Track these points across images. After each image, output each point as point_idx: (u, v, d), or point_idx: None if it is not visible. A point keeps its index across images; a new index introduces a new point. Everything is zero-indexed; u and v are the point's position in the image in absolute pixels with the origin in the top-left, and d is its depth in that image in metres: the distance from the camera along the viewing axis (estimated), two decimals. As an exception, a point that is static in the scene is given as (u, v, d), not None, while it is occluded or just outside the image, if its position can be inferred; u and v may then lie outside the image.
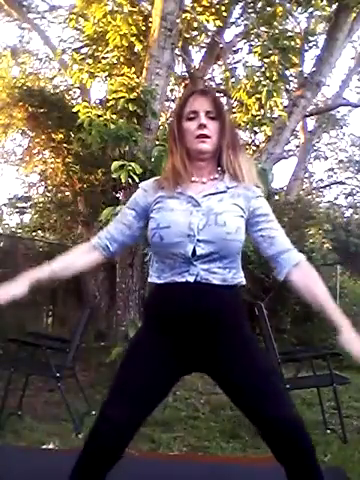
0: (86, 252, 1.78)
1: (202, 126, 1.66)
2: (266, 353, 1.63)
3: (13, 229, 10.48)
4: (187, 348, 1.63)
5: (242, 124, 5.66)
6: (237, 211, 1.66)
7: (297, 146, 15.19)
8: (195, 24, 7.43)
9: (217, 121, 1.68)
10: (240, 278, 1.69)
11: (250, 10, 7.42)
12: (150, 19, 6.03)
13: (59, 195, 8.77)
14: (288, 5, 6.80)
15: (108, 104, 5.18)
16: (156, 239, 1.64)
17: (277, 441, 1.58)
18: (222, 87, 9.58)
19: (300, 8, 6.91)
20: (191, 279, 1.61)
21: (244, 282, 1.69)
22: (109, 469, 1.62)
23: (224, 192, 1.68)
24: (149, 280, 1.72)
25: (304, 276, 1.67)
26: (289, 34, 6.47)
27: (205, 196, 1.66)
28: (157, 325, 1.66)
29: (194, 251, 1.61)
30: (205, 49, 8.67)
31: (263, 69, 5.91)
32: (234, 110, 6.38)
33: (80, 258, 1.78)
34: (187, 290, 1.61)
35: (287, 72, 6.74)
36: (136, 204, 1.74)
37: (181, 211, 1.64)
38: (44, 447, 3.27)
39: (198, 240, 1.60)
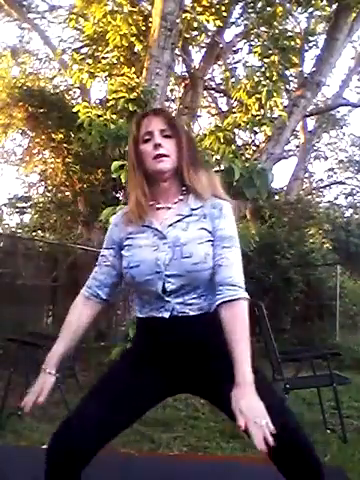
0: (84, 308, 1.73)
1: (158, 146, 1.62)
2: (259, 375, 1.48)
3: (13, 229, 10.47)
4: (176, 375, 1.63)
5: (242, 124, 5.65)
6: (204, 236, 1.61)
7: (297, 146, 15.20)
8: (195, 24, 7.44)
9: (173, 139, 1.64)
10: (215, 301, 1.60)
11: (250, 10, 7.42)
12: (150, 19, 6.04)
13: (59, 195, 8.78)
14: (288, 5, 6.81)
15: (108, 104, 5.18)
16: (128, 279, 1.64)
17: (279, 453, 1.48)
18: (222, 87, 9.60)
19: (300, 8, 6.92)
20: (166, 315, 1.60)
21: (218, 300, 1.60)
22: (77, 469, 1.59)
23: (189, 216, 1.64)
24: (136, 314, 1.73)
25: (230, 316, 1.54)
26: (289, 34, 6.48)
27: (170, 225, 1.63)
28: (143, 350, 1.67)
29: (164, 287, 1.59)
30: (205, 49, 8.68)
31: (263, 69, 5.90)
32: (234, 110, 6.38)
33: (82, 317, 1.73)
34: (165, 325, 1.61)
35: (287, 72, 6.75)
36: (113, 242, 1.72)
37: (148, 247, 1.62)
38: (44, 447, 3.26)
39: (166, 275, 1.58)
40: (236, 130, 5.95)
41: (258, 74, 5.81)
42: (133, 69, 6.00)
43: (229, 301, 1.54)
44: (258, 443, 1.33)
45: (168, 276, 1.58)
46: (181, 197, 1.67)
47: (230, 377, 1.49)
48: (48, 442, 1.60)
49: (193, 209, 1.64)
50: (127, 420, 1.65)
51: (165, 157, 1.62)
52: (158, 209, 1.67)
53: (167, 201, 1.67)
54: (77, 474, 1.58)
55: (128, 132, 5.21)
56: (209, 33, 7.78)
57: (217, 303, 1.57)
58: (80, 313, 1.73)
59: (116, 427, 1.63)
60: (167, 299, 1.59)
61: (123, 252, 1.67)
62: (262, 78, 5.70)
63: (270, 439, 1.33)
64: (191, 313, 1.60)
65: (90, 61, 7.04)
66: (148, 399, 1.66)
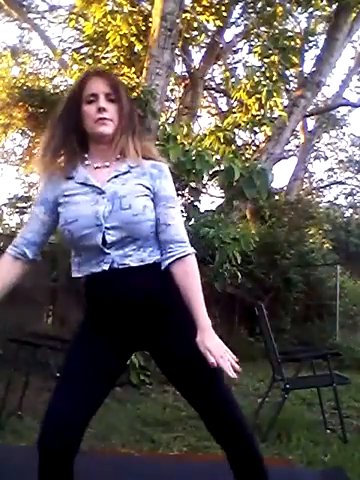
0: (12, 268, 1.72)
1: (102, 110, 1.64)
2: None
3: (13, 229, 10.45)
4: (125, 331, 1.64)
5: (242, 124, 5.66)
6: (141, 191, 1.64)
7: (297, 146, 15.20)
8: (195, 24, 7.44)
9: (116, 103, 1.67)
10: (157, 255, 1.65)
11: (250, 10, 7.42)
12: (150, 19, 6.04)
13: (59, 195, 8.76)
14: (288, 5, 6.81)
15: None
16: (66, 235, 1.65)
17: (213, 428, 1.67)
18: (222, 87, 9.60)
19: (300, 8, 6.92)
20: (106, 267, 1.61)
21: (159, 258, 1.65)
22: (67, 462, 1.58)
23: (127, 172, 1.67)
24: (72, 275, 1.72)
25: (181, 274, 1.62)
26: (289, 34, 6.49)
27: (108, 181, 1.65)
28: (93, 314, 1.68)
29: (104, 239, 1.60)
30: (205, 49, 8.67)
31: (263, 69, 5.91)
32: (234, 110, 6.38)
33: (10, 276, 1.72)
34: (106, 278, 1.61)
35: (287, 72, 6.75)
36: (44, 200, 1.71)
37: (86, 202, 1.63)
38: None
39: (106, 228, 1.60)
40: (236, 130, 5.97)
41: (258, 74, 5.82)
42: (133, 69, 6.00)
43: (180, 258, 1.62)
44: (229, 372, 1.50)
45: (108, 228, 1.60)
46: (118, 157, 1.70)
47: (174, 342, 1.61)
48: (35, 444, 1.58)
49: (131, 167, 1.68)
50: (99, 397, 1.67)
51: (108, 121, 1.65)
52: (96, 168, 1.69)
53: (104, 161, 1.69)
54: (69, 465, 1.58)
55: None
56: (209, 33, 7.78)
57: (169, 261, 1.62)
58: (8, 271, 1.71)
59: (91, 407, 1.65)
60: (107, 251, 1.61)
61: (59, 209, 1.67)
62: (262, 78, 5.71)
63: (237, 366, 1.52)
64: (132, 264, 1.62)
65: (90, 61, 7.04)
66: (110, 368, 1.67)
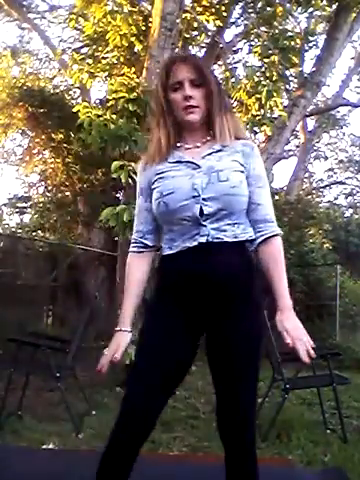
0: (140, 262, 1.76)
1: (188, 97, 1.65)
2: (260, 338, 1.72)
3: (13, 229, 10.46)
4: (199, 310, 1.64)
5: (242, 124, 5.65)
6: (237, 167, 1.67)
7: (297, 146, 15.19)
8: (195, 24, 7.43)
9: (203, 88, 1.67)
10: (250, 232, 1.68)
11: (250, 10, 7.42)
12: (150, 19, 6.03)
13: (59, 195, 8.78)
14: (288, 5, 6.81)
15: (108, 104, 5.18)
16: (161, 207, 1.65)
17: (226, 424, 1.68)
18: (222, 87, 9.56)
19: (300, 8, 6.91)
20: (203, 240, 1.61)
21: (254, 236, 1.68)
22: (138, 449, 1.63)
23: (220, 150, 1.69)
24: (163, 254, 1.71)
25: (269, 254, 1.68)
26: (289, 34, 6.47)
27: (203, 157, 1.67)
28: (170, 294, 1.66)
29: (201, 211, 1.61)
30: (205, 49, 8.66)
31: (263, 69, 5.91)
32: (234, 110, 6.37)
33: (142, 270, 1.76)
34: (200, 252, 1.61)
35: (287, 72, 6.75)
36: (142, 190, 1.76)
37: (182, 176, 1.65)
38: (44, 447, 3.27)
39: (203, 199, 1.61)
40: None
41: (258, 74, 5.82)
42: (133, 69, 5.99)
43: (269, 237, 1.67)
44: (303, 356, 1.60)
45: (205, 199, 1.61)
46: (209, 138, 1.72)
47: (238, 318, 1.64)
48: (112, 430, 1.65)
49: (224, 145, 1.69)
50: (175, 385, 1.71)
51: (195, 108, 1.67)
52: (187, 149, 1.71)
53: (196, 142, 1.72)
54: (135, 456, 1.64)
55: (128, 132, 5.23)
56: (209, 33, 7.77)
57: (259, 240, 1.67)
58: (138, 268, 1.75)
59: (167, 395, 1.69)
60: (203, 223, 1.62)
61: (154, 186, 1.69)
62: (262, 78, 5.70)
63: (312, 352, 1.58)
64: (226, 239, 1.63)
65: (90, 61, 7.03)
66: (186, 356, 1.69)
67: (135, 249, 1.77)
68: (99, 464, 1.63)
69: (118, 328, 1.69)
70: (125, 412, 1.65)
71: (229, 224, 1.64)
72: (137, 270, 1.75)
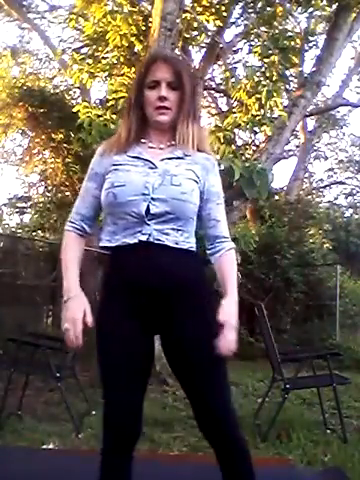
0: (79, 245, 1.77)
1: (162, 98, 1.66)
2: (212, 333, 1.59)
3: (13, 229, 10.47)
4: (147, 310, 1.63)
5: (242, 124, 5.65)
6: (192, 176, 1.67)
7: (297, 146, 15.19)
8: (195, 24, 7.42)
9: (178, 91, 1.68)
10: (192, 244, 1.68)
11: (250, 10, 7.41)
12: (150, 19, 6.02)
13: (59, 195, 8.78)
14: (288, 5, 6.80)
15: (108, 104, 5.18)
16: (110, 198, 1.64)
17: (205, 428, 1.68)
18: (222, 87, 9.60)
19: (300, 8, 6.90)
20: (143, 238, 1.61)
21: (194, 248, 1.69)
22: (133, 447, 1.67)
23: (181, 158, 1.69)
24: (100, 244, 1.70)
25: (226, 263, 1.71)
26: (289, 34, 6.47)
27: (162, 160, 1.68)
28: (114, 291, 1.66)
29: (148, 209, 1.61)
30: (205, 49, 8.66)
31: (263, 69, 5.90)
32: (234, 110, 6.38)
33: (79, 253, 1.76)
34: (138, 250, 1.61)
35: (287, 72, 6.74)
36: (96, 175, 1.74)
37: (137, 172, 1.65)
38: (44, 447, 3.27)
39: (152, 199, 1.61)
40: (236, 130, 5.96)
41: (258, 74, 5.81)
42: (133, 69, 6.00)
43: (227, 251, 1.72)
44: (223, 347, 1.55)
45: (154, 199, 1.61)
46: (173, 142, 1.72)
47: (193, 332, 1.61)
48: (102, 441, 1.66)
49: (186, 154, 1.70)
50: (145, 384, 1.71)
51: (167, 110, 1.67)
52: (150, 148, 1.71)
53: (160, 143, 1.72)
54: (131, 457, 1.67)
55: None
56: (209, 33, 7.77)
57: (219, 254, 1.72)
58: (76, 248, 1.75)
59: (143, 393, 1.69)
60: (148, 222, 1.61)
61: (107, 176, 1.68)
62: (262, 78, 5.70)
63: (232, 347, 1.55)
64: (166, 243, 1.62)
65: (90, 61, 7.02)
66: (144, 352, 1.67)
67: (73, 231, 1.76)
68: (100, 470, 1.64)
69: (72, 294, 1.63)
70: (110, 417, 1.65)
71: (173, 229, 1.63)
72: (76, 250, 1.75)
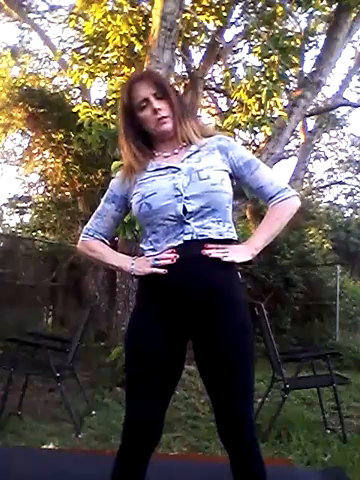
0: (102, 244, 1.82)
1: (157, 110, 1.70)
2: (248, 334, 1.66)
3: (13, 229, 10.47)
4: (184, 315, 1.63)
5: (242, 124, 5.64)
6: (217, 165, 1.70)
7: (297, 146, 15.17)
8: (195, 24, 7.42)
9: (165, 99, 1.73)
10: (234, 233, 1.71)
11: (250, 10, 7.41)
12: (150, 19, 6.02)
13: (59, 195, 8.78)
14: (288, 5, 6.79)
15: (108, 104, 5.18)
16: (144, 209, 1.66)
17: (226, 427, 1.67)
18: (222, 87, 9.59)
19: (300, 8, 6.88)
20: (188, 238, 1.62)
21: (236, 236, 1.71)
22: (150, 454, 1.68)
23: (198, 151, 1.73)
24: (145, 255, 1.71)
25: (273, 209, 1.73)
26: (289, 34, 6.46)
27: (182, 161, 1.71)
28: (154, 296, 1.66)
29: (184, 209, 1.63)
30: (205, 49, 8.66)
31: (263, 69, 5.89)
32: (234, 110, 6.37)
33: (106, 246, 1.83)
34: (186, 249, 1.61)
35: (287, 72, 6.72)
36: (115, 197, 1.79)
37: (164, 178, 1.68)
38: (44, 447, 3.27)
39: (186, 198, 1.63)
40: (236, 130, 5.95)
41: (258, 74, 5.80)
42: (133, 69, 5.99)
43: (278, 202, 1.72)
44: (208, 247, 1.60)
45: (187, 198, 1.63)
46: (184, 144, 1.75)
47: (228, 333, 1.62)
48: (120, 446, 1.68)
49: (200, 146, 1.73)
50: (171, 391, 1.73)
51: (166, 118, 1.72)
52: (166, 157, 1.75)
53: (173, 149, 1.75)
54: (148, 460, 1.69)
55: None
56: (209, 33, 7.76)
57: (270, 205, 1.73)
58: (103, 245, 1.80)
59: (167, 401, 1.73)
60: (187, 222, 1.63)
61: (134, 190, 1.71)
62: (262, 78, 5.69)
63: (213, 254, 1.59)
64: (211, 236, 1.63)
65: (90, 61, 7.01)
66: (175, 361, 1.69)
67: (93, 239, 1.80)
68: (113, 472, 1.66)
69: (128, 260, 1.72)
70: (130, 423, 1.67)
71: (213, 221, 1.65)
72: (102, 244, 1.80)
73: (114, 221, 1.81)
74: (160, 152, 1.76)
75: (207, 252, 1.60)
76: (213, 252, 1.60)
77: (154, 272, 1.62)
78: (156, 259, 1.63)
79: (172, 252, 1.61)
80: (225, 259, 1.61)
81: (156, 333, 1.64)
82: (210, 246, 1.61)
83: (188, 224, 1.63)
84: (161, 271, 1.61)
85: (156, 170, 1.71)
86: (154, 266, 1.63)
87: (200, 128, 1.79)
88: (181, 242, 1.62)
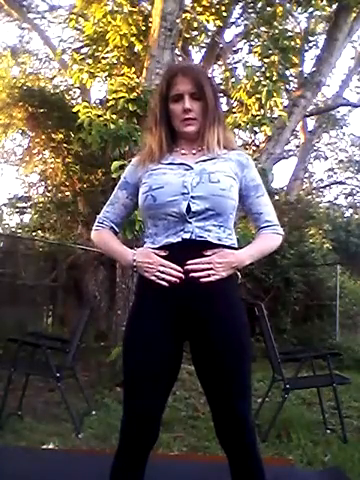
0: (112, 235, 1.83)
1: (187, 110, 1.70)
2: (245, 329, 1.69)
3: (13, 229, 10.46)
4: (181, 314, 1.63)
5: (242, 124, 5.64)
6: (229, 173, 1.71)
7: (297, 146, 15.19)
8: (195, 24, 7.43)
9: (201, 101, 1.72)
10: (234, 240, 1.71)
11: (250, 10, 7.41)
12: (150, 19, 6.02)
13: (59, 195, 8.77)
14: (288, 5, 6.80)
15: (108, 104, 5.17)
16: (149, 201, 1.67)
17: (224, 428, 1.67)
18: (222, 87, 9.59)
19: (300, 8, 6.89)
20: (186, 236, 1.63)
21: (235, 243, 1.72)
22: (147, 454, 1.68)
23: (215, 158, 1.73)
24: (144, 247, 1.72)
25: (258, 236, 1.79)
26: (289, 34, 6.45)
27: (197, 162, 1.72)
28: (152, 294, 1.66)
29: (188, 208, 1.63)
30: (205, 49, 8.67)
31: (263, 69, 5.89)
32: (234, 110, 6.38)
33: (116, 239, 1.85)
34: (182, 249, 1.63)
35: (287, 72, 6.73)
36: (126, 183, 1.81)
37: (174, 174, 1.68)
38: (44, 447, 3.27)
39: (192, 197, 1.64)
40: (236, 130, 5.95)
41: (258, 74, 5.80)
42: (133, 69, 5.99)
43: (268, 232, 1.78)
44: (191, 264, 1.60)
45: (193, 197, 1.64)
46: (204, 146, 1.75)
47: (224, 333, 1.62)
48: (118, 443, 1.70)
49: (218, 154, 1.74)
50: (168, 392, 1.72)
51: (193, 120, 1.72)
52: (183, 154, 1.75)
53: (191, 149, 1.76)
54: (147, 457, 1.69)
55: (128, 132, 5.22)
56: (209, 33, 7.77)
57: (263, 231, 1.77)
58: (113, 237, 1.82)
59: (165, 400, 1.71)
60: (189, 220, 1.63)
61: (143, 180, 1.72)
62: (262, 78, 5.69)
63: (195, 274, 1.59)
64: (209, 239, 1.64)
65: (90, 61, 7.02)
66: (173, 359, 1.69)
67: (104, 228, 1.82)
68: (111, 471, 1.66)
69: (131, 254, 1.70)
70: (129, 421, 1.67)
71: (214, 225, 1.66)
72: (112, 235, 1.82)
73: (125, 209, 1.81)
74: (179, 148, 1.77)
75: (189, 269, 1.60)
76: (194, 271, 1.60)
77: (157, 282, 1.63)
78: (162, 266, 1.62)
79: (179, 271, 1.61)
80: (204, 280, 1.61)
81: (154, 331, 1.64)
82: (191, 263, 1.61)
83: (189, 223, 1.63)
84: (164, 283, 1.62)
85: (169, 164, 1.72)
86: (158, 276, 1.64)
87: (225, 139, 1.78)
88: (179, 240, 1.63)
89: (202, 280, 1.60)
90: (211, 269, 1.61)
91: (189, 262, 1.60)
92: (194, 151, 1.76)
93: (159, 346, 1.64)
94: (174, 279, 1.60)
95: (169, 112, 1.73)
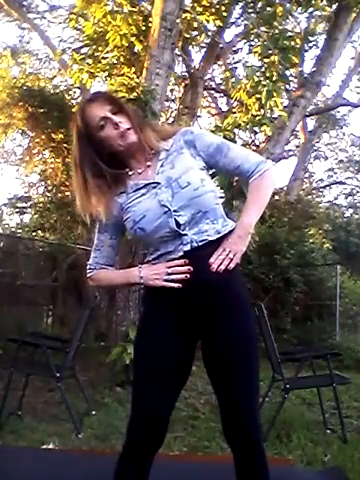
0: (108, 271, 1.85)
1: (118, 124, 1.69)
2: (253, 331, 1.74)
3: (13, 229, 10.46)
4: (192, 316, 1.65)
5: (242, 124, 5.64)
6: (192, 164, 1.69)
7: (297, 146, 15.19)
8: (195, 24, 7.43)
9: (121, 113, 1.72)
10: (229, 223, 1.71)
11: (250, 10, 7.41)
12: (150, 19, 6.03)
13: (59, 195, 8.77)
14: (288, 5, 6.79)
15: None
16: (139, 233, 1.68)
17: (232, 426, 1.68)
18: (222, 87, 9.60)
19: (300, 8, 6.89)
20: (187, 248, 1.64)
21: (234, 225, 1.71)
22: (154, 453, 1.69)
23: (168, 156, 1.72)
24: (148, 259, 1.73)
25: (254, 184, 1.72)
26: (289, 34, 6.45)
27: (158, 173, 1.70)
28: (160, 297, 1.67)
29: (177, 222, 1.63)
30: (205, 49, 8.67)
31: (263, 69, 5.89)
32: (234, 110, 6.38)
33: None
34: (192, 257, 1.63)
35: (287, 72, 6.72)
36: (105, 226, 1.78)
37: (147, 198, 1.68)
38: (44, 447, 3.27)
39: (175, 211, 1.63)
40: (236, 130, 5.95)
41: (258, 74, 5.80)
42: (133, 69, 6.00)
43: (258, 175, 1.71)
44: (213, 263, 1.61)
45: (176, 211, 1.63)
46: (153, 152, 1.75)
47: (234, 334, 1.64)
48: (124, 443, 1.68)
49: (167, 149, 1.73)
50: (177, 391, 1.73)
51: (129, 130, 1.70)
52: (140, 173, 1.74)
53: (145, 162, 1.74)
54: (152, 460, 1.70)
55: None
56: (209, 33, 7.78)
57: (250, 180, 1.71)
58: (109, 272, 1.83)
59: (173, 403, 1.72)
60: (183, 233, 1.64)
61: (125, 216, 1.71)
62: (262, 78, 5.69)
63: (225, 264, 1.61)
64: (210, 238, 1.65)
65: (90, 61, 7.02)
66: (183, 363, 1.70)
67: (96, 271, 1.82)
68: (116, 471, 1.66)
69: (137, 271, 1.71)
70: (137, 422, 1.67)
71: (207, 223, 1.66)
72: (108, 271, 1.83)
73: (113, 249, 1.81)
74: (134, 169, 1.75)
75: (215, 268, 1.61)
76: (220, 266, 1.62)
77: (168, 287, 1.63)
78: (169, 269, 1.63)
79: (185, 263, 1.62)
80: (233, 264, 1.63)
81: (166, 334, 1.66)
82: (212, 261, 1.62)
83: (185, 235, 1.64)
84: (175, 285, 1.62)
85: (137, 190, 1.70)
86: (167, 280, 1.64)
87: (158, 133, 1.77)
88: (181, 254, 1.64)
89: (230, 265, 1.62)
90: (230, 252, 1.63)
91: (210, 261, 1.62)
92: (148, 163, 1.74)
93: (170, 348, 1.65)
94: (183, 276, 1.61)
95: (100, 144, 1.70)
